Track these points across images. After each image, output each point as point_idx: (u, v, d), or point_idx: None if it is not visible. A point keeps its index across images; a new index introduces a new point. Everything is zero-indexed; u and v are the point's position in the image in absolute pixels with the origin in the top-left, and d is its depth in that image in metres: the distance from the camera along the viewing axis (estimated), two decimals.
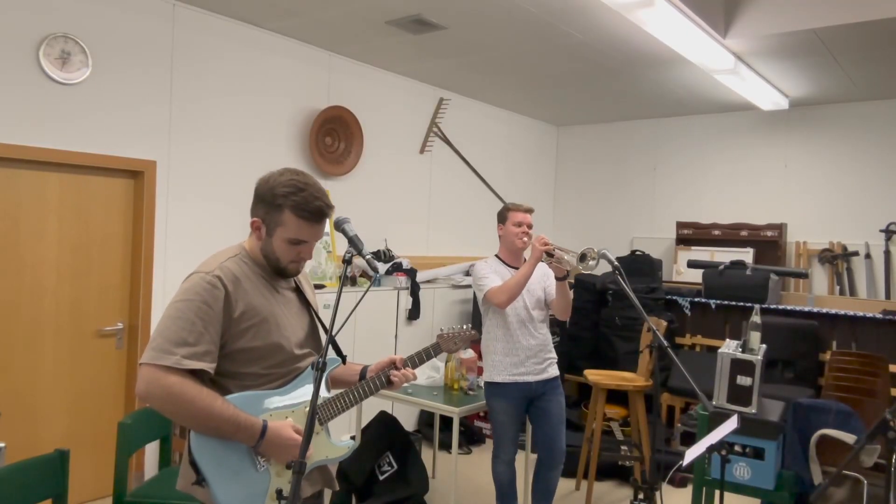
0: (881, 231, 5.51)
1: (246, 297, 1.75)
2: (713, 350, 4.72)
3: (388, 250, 5.26)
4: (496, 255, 3.56)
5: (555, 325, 4.95)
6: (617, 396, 4.74)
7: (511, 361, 3.35)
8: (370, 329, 4.83)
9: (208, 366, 1.68)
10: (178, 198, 4.09)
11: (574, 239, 7.00)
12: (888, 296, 5.45)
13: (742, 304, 5.22)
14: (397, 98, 5.53)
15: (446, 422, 4.58)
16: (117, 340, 3.94)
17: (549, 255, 3.22)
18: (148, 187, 3.93)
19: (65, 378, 3.73)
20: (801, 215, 5.93)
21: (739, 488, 3.04)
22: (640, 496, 3.75)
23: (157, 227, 3.99)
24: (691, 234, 6.24)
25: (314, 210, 1.76)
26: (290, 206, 1.75)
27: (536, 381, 3.37)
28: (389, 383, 1.97)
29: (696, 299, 5.44)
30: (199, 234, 4.16)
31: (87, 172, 3.74)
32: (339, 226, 1.91)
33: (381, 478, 3.84)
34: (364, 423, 4.01)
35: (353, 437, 4.02)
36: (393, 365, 2.01)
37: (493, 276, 3.39)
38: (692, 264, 5.79)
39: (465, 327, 2.19)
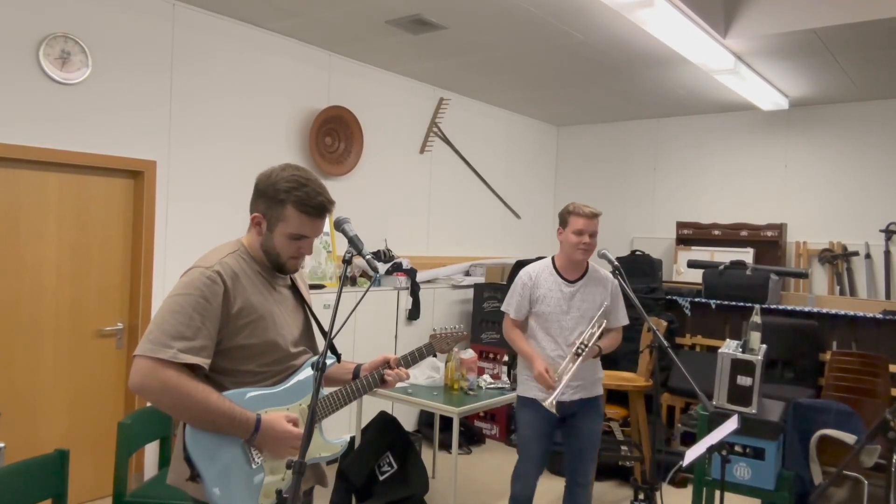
0: (881, 231, 5.51)
1: (244, 294, 1.75)
2: (713, 350, 4.72)
3: (388, 250, 5.26)
4: (552, 259, 3.16)
5: None
6: (617, 396, 4.74)
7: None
8: (370, 329, 4.83)
9: (204, 361, 1.68)
10: (178, 198, 4.09)
11: None
12: (888, 296, 5.44)
13: (742, 304, 5.22)
14: (397, 98, 5.53)
15: (446, 422, 4.57)
16: (117, 340, 3.94)
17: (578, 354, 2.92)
18: (148, 187, 3.93)
19: (65, 378, 3.73)
20: (801, 215, 5.93)
21: (739, 488, 3.04)
22: (641, 496, 3.75)
23: (157, 227, 3.99)
24: (691, 234, 6.24)
25: (317, 205, 1.77)
26: (292, 202, 1.75)
27: (571, 401, 3.05)
28: (383, 382, 1.98)
29: (697, 299, 5.44)
30: (199, 234, 4.15)
31: (87, 172, 3.74)
32: (339, 226, 1.91)
33: (381, 478, 3.84)
34: (364, 423, 4.01)
35: (353, 437, 4.02)
36: (387, 364, 2.01)
37: (523, 301, 3.10)
38: (692, 264, 5.79)
39: (457, 327, 2.21)
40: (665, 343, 2.50)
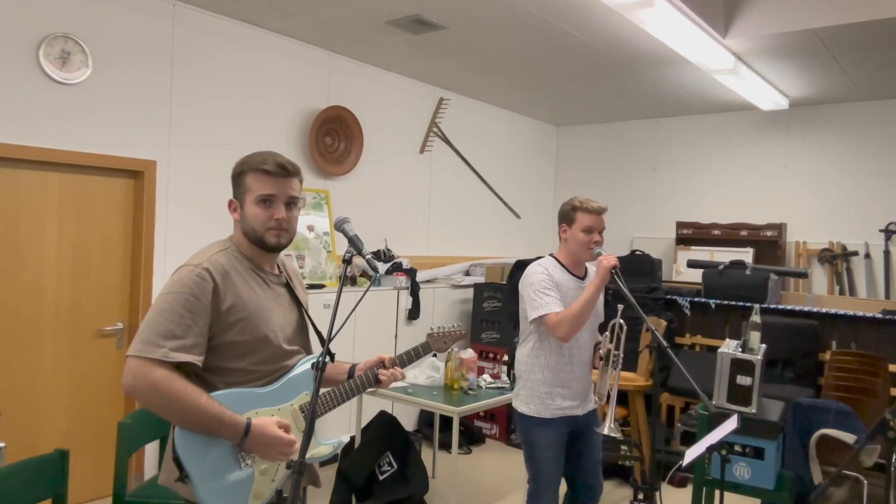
0: (881, 231, 5.51)
1: (234, 290, 1.75)
2: (713, 350, 4.72)
3: (388, 250, 5.26)
4: (553, 256, 2.96)
5: None
6: (616, 396, 4.73)
7: (560, 394, 2.86)
8: (370, 329, 4.83)
9: (196, 358, 1.68)
10: (178, 198, 4.09)
11: None
12: (888, 296, 5.45)
13: (742, 303, 5.22)
14: (397, 98, 5.53)
15: (446, 422, 4.58)
16: (117, 340, 3.94)
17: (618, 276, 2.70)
18: (148, 187, 3.93)
19: (65, 378, 3.73)
20: (800, 215, 5.93)
21: (739, 488, 3.04)
22: (640, 496, 3.75)
23: (157, 227, 3.99)
24: (691, 234, 6.24)
25: (272, 164, 1.78)
26: (249, 169, 1.80)
27: (585, 414, 2.91)
28: (377, 382, 1.95)
29: (696, 299, 5.44)
30: (199, 234, 4.15)
31: (87, 172, 3.74)
32: (339, 226, 1.91)
33: (381, 478, 3.84)
34: (364, 422, 4.01)
35: (352, 437, 4.02)
36: (381, 363, 1.99)
37: (554, 292, 2.78)
38: (692, 264, 5.79)
39: (454, 326, 2.18)
40: (664, 343, 2.49)
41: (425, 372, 4.02)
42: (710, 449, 2.25)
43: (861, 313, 4.88)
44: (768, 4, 3.98)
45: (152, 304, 1.72)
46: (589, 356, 2.92)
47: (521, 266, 5.47)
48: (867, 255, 5.57)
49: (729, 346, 3.22)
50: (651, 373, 4.42)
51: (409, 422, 5.24)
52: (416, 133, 5.77)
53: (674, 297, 5.50)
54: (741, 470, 3.02)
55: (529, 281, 2.87)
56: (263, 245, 1.81)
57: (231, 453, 1.72)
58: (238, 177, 1.82)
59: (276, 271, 1.92)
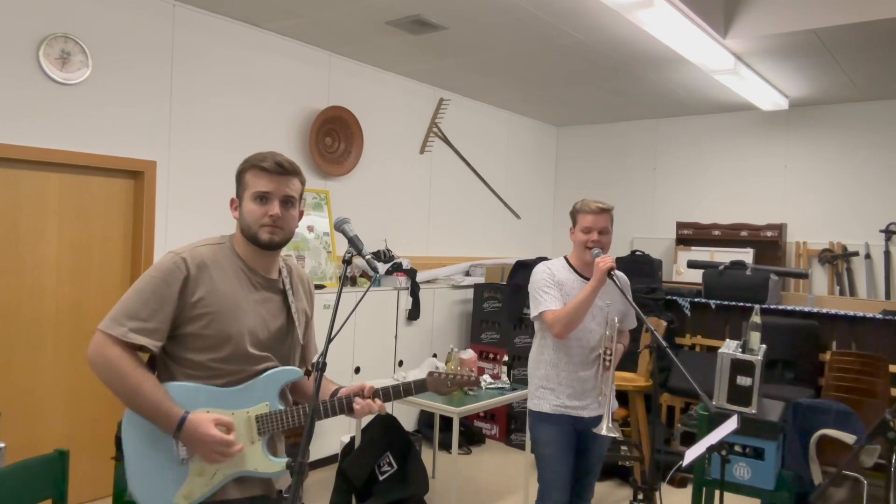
0: (881, 231, 5.51)
1: (209, 284, 1.74)
2: (713, 350, 4.72)
3: (388, 250, 5.26)
4: (565, 258, 2.95)
5: None
6: (617, 397, 4.73)
7: (565, 392, 2.84)
8: (370, 329, 4.83)
9: (153, 343, 1.70)
10: (177, 198, 4.09)
11: None
12: (888, 296, 5.44)
13: (742, 304, 5.22)
14: (397, 98, 5.53)
15: (446, 422, 4.58)
16: None
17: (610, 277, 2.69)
18: (148, 187, 3.93)
19: (65, 378, 3.73)
20: (801, 215, 5.93)
21: (739, 488, 3.04)
22: (640, 496, 3.75)
23: (157, 227, 3.99)
24: (691, 235, 6.24)
25: (270, 161, 1.80)
26: (248, 168, 1.82)
27: (591, 417, 2.83)
28: (350, 410, 1.85)
29: (696, 299, 5.44)
30: (198, 234, 4.12)
31: (87, 172, 3.74)
32: (338, 226, 1.90)
33: (381, 478, 3.84)
34: (364, 423, 4.01)
35: (352, 437, 4.01)
36: (361, 392, 1.88)
37: (553, 290, 2.81)
38: (692, 264, 5.79)
39: (468, 373, 2.04)
40: (664, 344, 2.48)
41: (425, 372, 4.01)
42: (710, 449, 2.25)
43: (861, 314, 4.88)
44: (768, 4, 3.98)
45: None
46: (598, 359, 2.85)
47: (521, 266, 5.47)
48: (867, 256, 5.57)
49: (729, 347, 3.22)
50: (651, 373, 4.42)
51: (409, 422, 5.24)
52: (416, 133, 5.77)
53: (674, 298, 5.50)
54: (741, 470, 3.02)
55: (532, 280, 2.90)
56: (256, 241, 1.80)
57: (172, 447, 1.72)
58: (239, 175, 1.84)
59: (274, 275, 1.89)
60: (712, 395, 3.08)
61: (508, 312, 5.44)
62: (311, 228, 4.77)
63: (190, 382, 1.74)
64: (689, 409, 5.00)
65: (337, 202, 5.01)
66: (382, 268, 5.06)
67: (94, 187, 3.79)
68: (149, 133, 3.94)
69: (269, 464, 1.78)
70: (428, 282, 5.50)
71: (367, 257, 1.88)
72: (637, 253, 5.88)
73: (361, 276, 4.96)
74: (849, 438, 3.30)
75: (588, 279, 2.84)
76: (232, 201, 1.87)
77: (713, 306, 5.36)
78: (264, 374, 1.79)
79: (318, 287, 4.55)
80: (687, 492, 4.21)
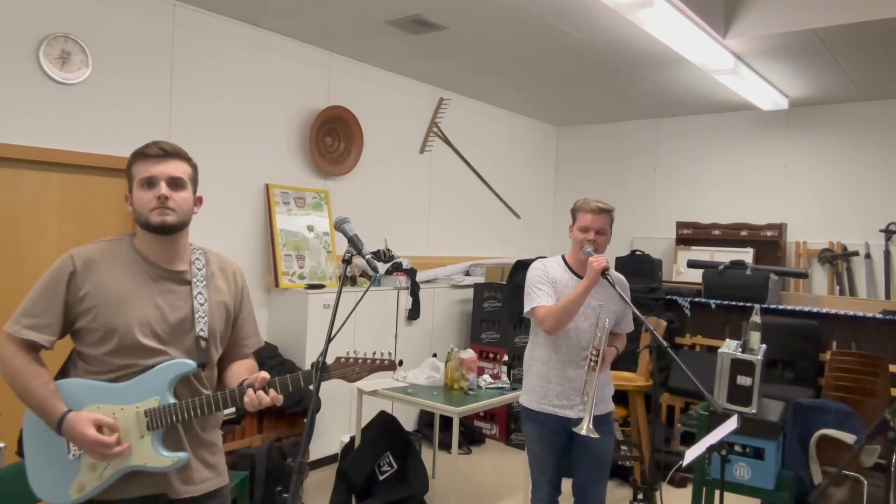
0: (881, 231, 5.51)
1: (96, 279, 1.76)
2: (713, 350, 4.72)
3: (388, 250, 5.26)
4: (562, 256, 2.95)
5: None
6: (617, 396, 4.73)
7: (553, 391, 2.83)
8: (370, 329, 4.83)
9: (45, 339, 1.74)
10: None
11: None
12: (888, 296, 5.44)
13: (742, 304, 5.22)
14: (397, 98, 5.53)
15: (446, 422, 4.58)
16: None
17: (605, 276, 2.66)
18: None
19: None
20: (801, 215, 5.93)
21: (739, 488, 3.04)
22: (640, 496, 3.75)
23: None
24: (691, 234, 6.24)
25: (152, 148, 1.82)
26: (133, 160, 1.84)
27: (578, 417, 2.74)
28: (242, 403, 1.78)
29: (696, 299, 5.44)
30: (197, 234, 4.14)
31: (87, 172, 3.74)
32: (338, 226, 1.90)
33: (381, 478, 3.84)
34: (364, 423, 4.01)
35: (352, 437, 4.01)
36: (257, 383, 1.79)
37: (547, 287, 2.81)
38: (692, 264, 5.79)
39: (380, 356, 1.84)
40: (664, 344, 2.48)
41: (425, 372, 4.02)
42: (710, 449, 2.25)
43: (861, 313, 4.88)
44: (768, 4, 3.98)
45: None
46: (586, 359, 2.80)
47: (521, 266, 5.47)
48: (867, 256, 5.57)
49: (729, 347, 3.22)
50: (651, 373, 4.42)
51: (409, 422, 5.24)
52: (416, 133, 5.77)
53: (674, 298, 5.50)
54: (741, 470, 3.02)
55: (527, 277, 2.91)
56: (149, 227, 1.79)
57: (64, 442, 1.75)
58: (127, 170, 1.85)
59: (180, 267, 1.87)
60: (712, 395, 3.08)
61: (508, 312, 5.44)
62: (311, 228, 4.77)
63: (86, 379, 1.77)
64: (689, 409, 5.00)
65: (337, 202, 5.01)
66: (382, 267, 5.06)
67: (94, 187, 3.78)
68: (149, 133, 3.94)
69: (158, 458, 1.75)
70: (428, 281, 5.50)
71: (367, 257, 1.88)
72: (637, 253, 5.88)
73: (361, 275, 4.96)
74: (849, 438, 3.30)
75: (583, 278, 2.82)
76: (126, 197, 1.87)
77: (713, 306, 5.36)
78: (154, 368, 1.76)
79: (319, 287, 4.55)
80: (687, 492, 4.20)
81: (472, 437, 5.32)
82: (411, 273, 5.18)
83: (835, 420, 3.46)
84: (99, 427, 1.69)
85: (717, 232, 6.10)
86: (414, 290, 5.18)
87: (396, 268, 5.11)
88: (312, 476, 4.45)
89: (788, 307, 5.17)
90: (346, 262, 1.82)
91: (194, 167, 1.91)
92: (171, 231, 1.82)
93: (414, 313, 5.18)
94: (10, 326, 1.75)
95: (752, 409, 3.04)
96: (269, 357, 4.23)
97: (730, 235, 6.03)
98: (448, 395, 3.78)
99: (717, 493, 2.40)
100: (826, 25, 3.85)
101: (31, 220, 3.55)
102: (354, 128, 5.07)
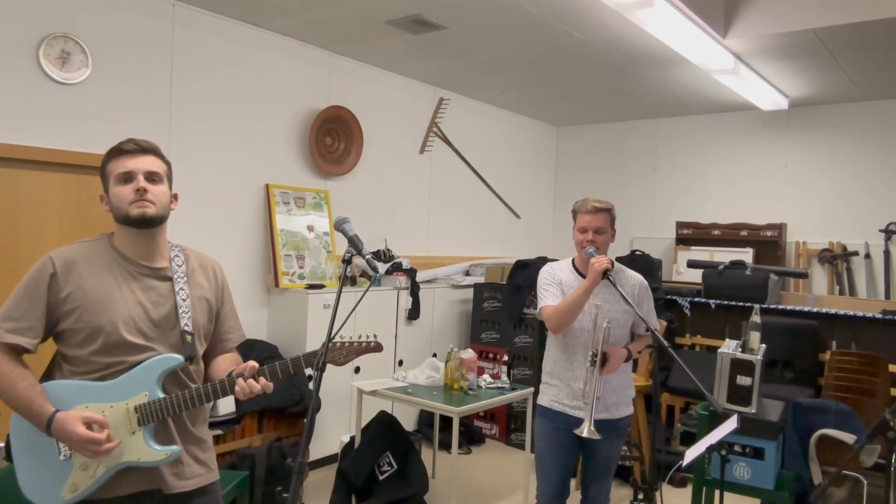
0: (881, 231, 5.51)
1: (77, 280, 1.77)
2: (713, 350, 4.72)
3: (388, 250, 5.26)
4: (572, 259, 2.96)
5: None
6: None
7: (564, 390, 2.83)
8: (370, 329, 4.82)
9: (28, 342, 1.74)
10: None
11: None
12: (888, 296, 5.45)
13: (742, 304, 5.22)
14: (397, 98, 5.53)
15: (446, 422, 4.58)
16: None
17: (607, 276, 2.65)
18: None
19: None
20: (800, 215, 5.93)
21: (739, 488, 3.04)
22: (640, 496, 3.76)
23: None
24: (691, 234, 6.24)
25: (127, 144, 1.84)
26: (108, 158, 1.86)
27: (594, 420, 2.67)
28: (233, 392, 1.80)
29: (696, 299, 5.45)
30: (197, 234, 4.15)
31: (87, 172, 3.74)
32: (338, 226, 1.90)
33: (381, 478, 3.84)
34: (364, 422, 4.01)
35: (352, 437, 4.01)
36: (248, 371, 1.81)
37: (554, 288, 2.83)
38: (692, 264, 5.79)
39: (366, 340, 1.90)
40: (666, 344, 2.48)
41: (425, 372, 4.02)
42: (710, 449, 2.25)
43: (861, 313, 4.88)
44: (768, 5, 3.98)
45: None
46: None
47: (521, 266, 5.48)
48: (867, 256, 5.57)
49: (729, 347, 3.22)
50: (651, 373, 4.43)
51: (408, 422, 5.24)
52: (416, 133, 5.77)
53: (674, 298, 5.50)
54: (741, 470, 3.02)
55: (538, 279, 2.94)
56: (129, 220, 1.80)
57: (53, 443, 1.74)
58: (102, 170, 1.86)
59: (160, 263, 1.87)
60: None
61: (508, 312, 5.44)
62: (311, 228, 4.77)
63: (73, 380, 1.76)
64: (688, 409, 5.00)
65: (337, 202, 5.01)
66: (382, 267, 5.06)
67: (94, 187, 3.77)
68: (148, 133, 3.93)
69: (151, 453, 1.76)
70: (428, 281, 5.50)
71: (367, 257, 1.88)
72: (637, 253, 5.88)
73: (361, 275, 4.96)
74: (849, 438, 3.30)
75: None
76: (101, 197, 1.87)
77: (713, 306, 5.36)
78: (141, 365, 1.77)
79: (318, 287, 4.55)
80: (687, 492, 4.20)
81: (471, 437, 5.31)
82: (411, 273, 5.18)
83: (835, 420, 3.46)
84: (89, 424, 1.69)
85: (716, 232, 6.11)
86: (414, 290, 5.18)
87: (396, 268, 5.11)
88: (312, 476, 4.45)
89: (788, 307, 5.17)
90: (346, 262, 1.82)
91: (169, 164, 1.91)
92: (150, 224, 1.83)
93: (414, 313, 5.18)
94: None
95: (752, 409, 3.04)
96: (269, 357, 4.23)
97: (730, 235, 6.03)
98: (448, 395, 3.78)
99: (716, 493, 2.40)
100: (826, 25, 3.85)
101: (31, 220, 3.55)
102: (354, 128, 5.07)
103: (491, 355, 5.39)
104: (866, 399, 4.42)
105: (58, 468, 1.75)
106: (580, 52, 4.60)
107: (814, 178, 5.89)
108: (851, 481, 3.18)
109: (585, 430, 2.57)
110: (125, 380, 1.76)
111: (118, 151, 1.83)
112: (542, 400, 2.92)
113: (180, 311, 1.83)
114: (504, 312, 5.50)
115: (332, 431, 4.56)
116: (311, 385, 3.76)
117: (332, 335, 1.73)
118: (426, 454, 4.48)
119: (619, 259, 5.86)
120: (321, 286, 4.59)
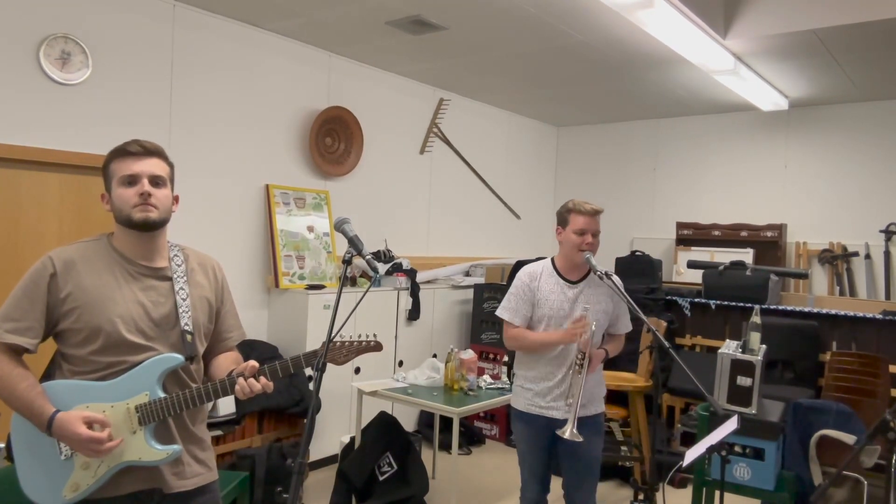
0: (881, 231, 5.51)
1: (77, 279, 1.77)
2: (713, 350, 4.72)
3: (388, 250, 5.26)
4: (552, 260, 2.96)
5: None
6: (617, 397, 4.73)
7: (540, 392, 2.85)
8: (370, 329, 4.82)
9: (28, 342, 1.73)
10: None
11: None
12: (888, 296, 5.44)
13: (742, 304, 5.22)
14: (397, 98, 5.53)
15: (446, 422, 4.58)
16: None
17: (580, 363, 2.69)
18: None
19: None
20: (800, 216, 5.93)
21: (739, 489, 3.04)
22: (640, 496, 3.76)
23: None
24: (691, 235, 6.24)
25: (132, 146, 1.83)
26: (112, 158, 1.85)
27: (564, 419, 2.73)
28: (234, 392, 1.80)
29: (696, 300, 5.44)
30: (198, 234, 4.15)
31: (87, 172, 3.74)
32: (338, 226, 1.90)
33: (381, 478, 3.84)
34: (364, 423, 4.01)
35: (352, 437, 4.01)
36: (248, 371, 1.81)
37: (524, 305, 2.87)
38: (692, 265, 5.79)
39: (366, 339, 1.90)
40: (667, 344, 2.48)
41: (425, 372, 4.02)
42: (710, 449, 2.25)
43: (861, 314, 4.88)
44: (768, 5, 3.98)
45: None
46: (570, 361, 2.78)
47: (521, 266, 5.46)
48: (867, 256, 5.57)
49: (729, 347, 3.22)
50: (651, 373, 4.42)
51: (409, 422, 5.24)
52: (416, 133, 5.77)
53: (674, 298, 5.50)
54: (741, 470, 3.02)
55: (514, 281, 2.96)
56: (131, 223, 1.80)
57: (54, 443, 1.74)
58: (105, 168, 1.85)
59: (160, 263, 1.87)
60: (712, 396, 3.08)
61: None
62: (311, 228, 4.77)
63: (73, 380, 1.76)
64: (689, 410, 5.00)
65: (337, 202, 5.01)
66: (382, 268, 5.06)
67: (94, 187, 3.78)
68: (148, 133, 3.93)
69: (152, 452, 1.76)
70: (428, 282, 5.50)
71: (367, 257, 1.88)
72: (637, 253, 5.88)
73: (361, 276, 4.96)
74: (849, 438, 3.29)
75: (570, 282, 2.86)
76: (102, 196, 1.87)
77: (713, 306, 5.36)
78: (141, 364, 1.77)
79: (319, 287, 4.55)
80: (687, 492, 4.20)
81: (472, 438, 5.31)
82: (411, 273, 5.18)
83: (835, 420, 3.46)
84: (90, 424, 1.69)
85: (717, 232, 6.11)
86: (414, 291, 5.18)
87: (396, 268, 5.11)
88: (312, 476, 4.45)
89: (788, 308, 5.17)
90: (347, 262, 1.82)
91: (172, 166, 1.91)
92: (153, 228, 1.83)
93: (414, 314, 5.18)
94: None
95: (752, 410, 3.04)
96: (269, 357, 4.23)
97: (730, 236, 6.03)
98: (448, 395, 3.78)
99: (717, 493, 2.40)
100: (826, 26, 3.85)
101: (31, 220, 3.55)
102: (354, 128, 5.07)
103: (491, 356, 5.39)
104: (866, 399, 4.42)
105: (59, 468, 1.74)
106: (580, 52, 4.60)
107: (814, 178, 5.89)
108: (851, 482, 3.18)
109: (568, 432, 2.59)
110: (126, 379, 1.76)
111: (123, 153, 1.83)
112: (518, 404, 2.94)
113: (180, 310, 1.84)
114: None
115: (333, 432, 4.56)
116: (311, 385, 3.76)
117: (333, 336, 1.72)
118: (426, 455, 4.48)
119: (618, 259, 5.88)
120: (321, 287, 4.59)
